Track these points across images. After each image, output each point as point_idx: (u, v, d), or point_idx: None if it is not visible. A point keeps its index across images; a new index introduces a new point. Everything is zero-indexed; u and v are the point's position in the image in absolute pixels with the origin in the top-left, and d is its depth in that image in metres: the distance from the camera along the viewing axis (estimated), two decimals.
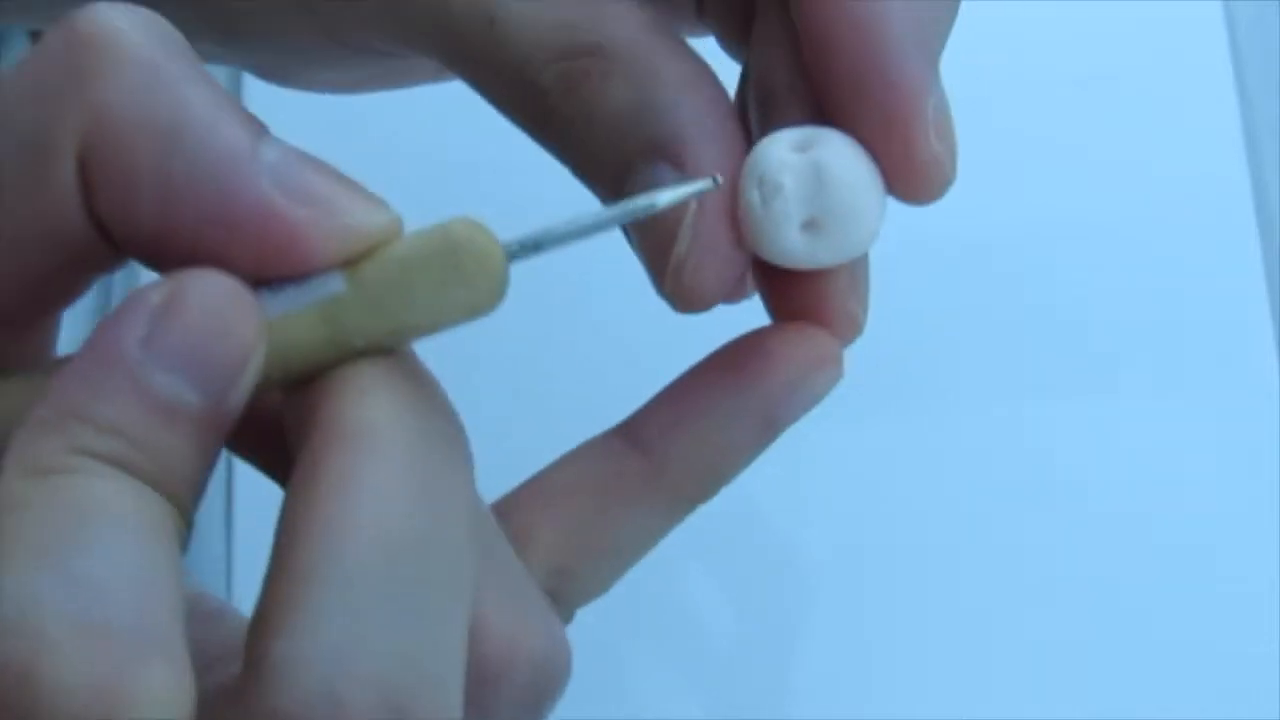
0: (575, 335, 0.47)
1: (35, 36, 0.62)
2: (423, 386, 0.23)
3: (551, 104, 0.27)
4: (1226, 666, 0.43)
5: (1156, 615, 0.44)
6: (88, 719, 0.20)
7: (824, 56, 0.26)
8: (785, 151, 0.26)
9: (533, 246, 0.24)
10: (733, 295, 0.28)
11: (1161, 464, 0.45)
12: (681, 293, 0.26)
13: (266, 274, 0.23)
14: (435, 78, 0.33)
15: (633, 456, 0.27)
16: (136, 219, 0.22)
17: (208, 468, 0.22)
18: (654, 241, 0.26)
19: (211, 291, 0.22)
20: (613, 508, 0.27)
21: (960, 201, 0.47)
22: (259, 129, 0.23)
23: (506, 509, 0.27)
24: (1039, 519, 0.45)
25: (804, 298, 0.27)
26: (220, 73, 0.52)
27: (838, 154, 0.25)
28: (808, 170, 0.25)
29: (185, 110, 0.22)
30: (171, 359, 0.21)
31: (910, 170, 0.26)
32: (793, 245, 0.26)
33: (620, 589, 0.40)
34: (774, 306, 0.28)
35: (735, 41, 0.30)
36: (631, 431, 0.28)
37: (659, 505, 0.27)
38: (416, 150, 0.50)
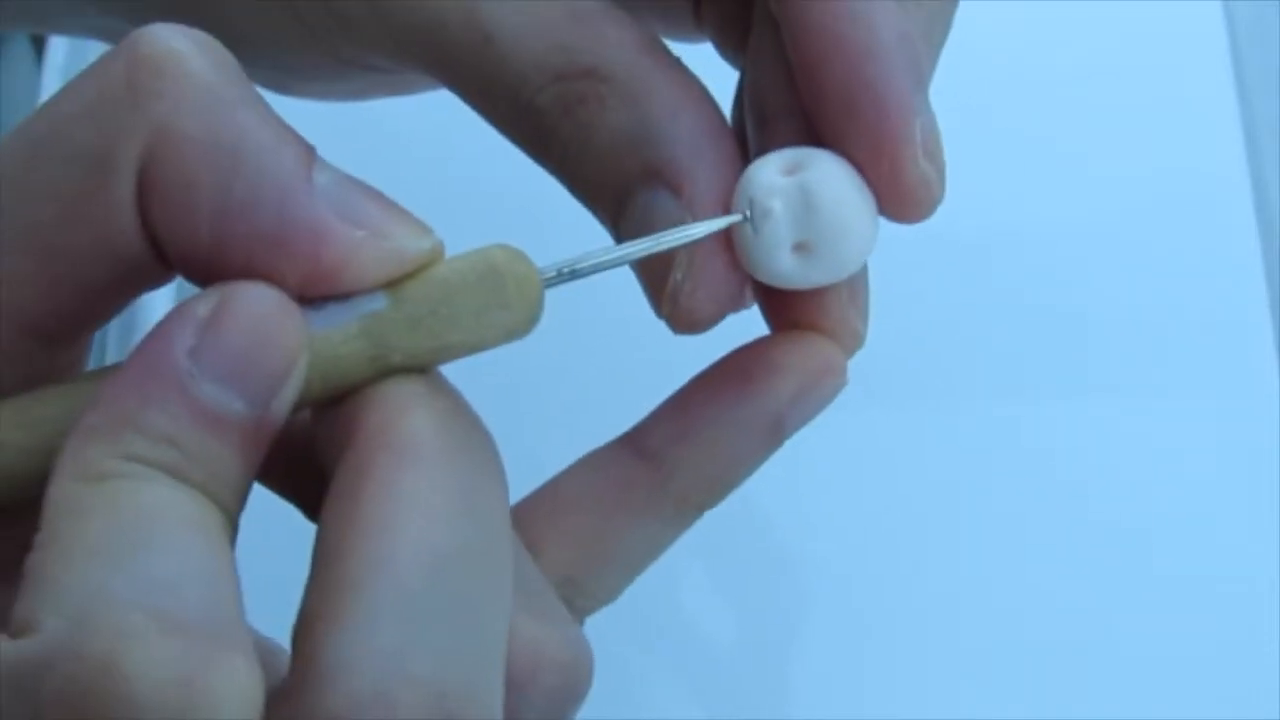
0: (582, 342, 0.47)
1: (37, 42, 0.63)
2: (458, 403, 0.24)
3: (548, 125, 0.27)
4: (1226, 666, 0.43)
5: (1156, 615, 0.44)
6: (171, 710, 0.20)
7: (813, 77, 0.26)
8: (774, 175, 0.26)
9: (568, 274, 0.25)
10: (733, 309, 0.28)
11: (1161, 464, 0.45)
12: (679, 316, 0.27)
13: (314, 293, 0.23)
14: (431, 87, 0.33)
15: (639, 466, 0.28)
16: (192, 235, 0.23)
17: (251, 476, 0.23)
18: (652, 266, 0.26)
19: (256, 302, 0.22)
20: (620, 517, 0.27)
21: (960, 201, 0.47)
22: (312, 153, 0.23)
23: (514, 520, 0.27)
24: (1038, 519, 0.45)
25: (803, 312, 0.27)
26: None
27: (826, 176, 0.26)
28: (796, 193, 0.25)
29: (245, 131, 0.23)
30: (218, 369, 0.22)
31: (899, 191, 0.26)
32: (785, 268, 0.26)
33: None
34: (773, 321, 0.28)
35: (732, 50, 0.30)
36: (637, 441, 0.28)
37: (665, 514, 0.28)
38: (415, 152, 0.50)
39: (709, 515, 0.28)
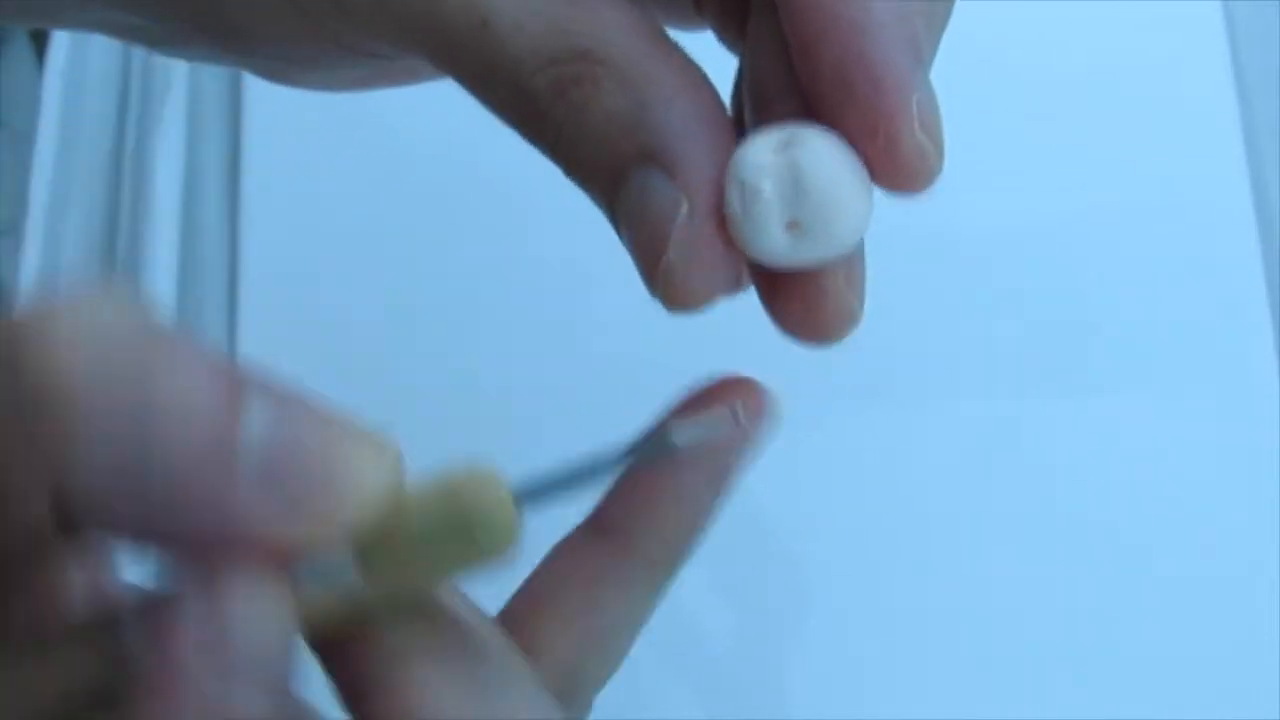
0: (583, 342, 0.47)
1: (38, 42, 0.63)
2: (464, 632, 0.25)
3: (544, 108, 0.27)
4: (1226, 666, 0.43)
5: (1156, 615, 0.44)
6: None
7: (809, 55, 0.26)
8: (764, 154, 0.26)
9: (543, 492, 0.24)
10: (728, 290, 0.28)
11: (1161, 464, 0.45)
12: (673, 294, 0.26)
13: (268, 571, 0.23)
14: (434, 76, 0.33)
15: (607, 543, 0.29)
16: (124, 535, 0.23)
17: None
18: (646, 244, 0.26)
19: (249, 600, 0.22)
20: (602, 597, 0.29)
21: (959, 201, 0.47)
22: (239, 399, 0.23)
23: (506, 622, 0.28)
24: (1037, 519, 0.45)
25: (797, 293, 0.27)
26: (219, 73, 0.52)
27: (816, 154, 0.25)
28: (786, 172, 0.25)
29: (157, 438, 0.22)
30: (225, 670, 0.22)
31: (894, 163, 0.25)
32: (777, 248, 0.26)
33: None
34: (768, 302, 0.28)
35: (732, 38, 0.30)
36: (599, 523, 0.29)
37: (643, 581, 0.29)
38: (416, 145, 0.50)
39: None
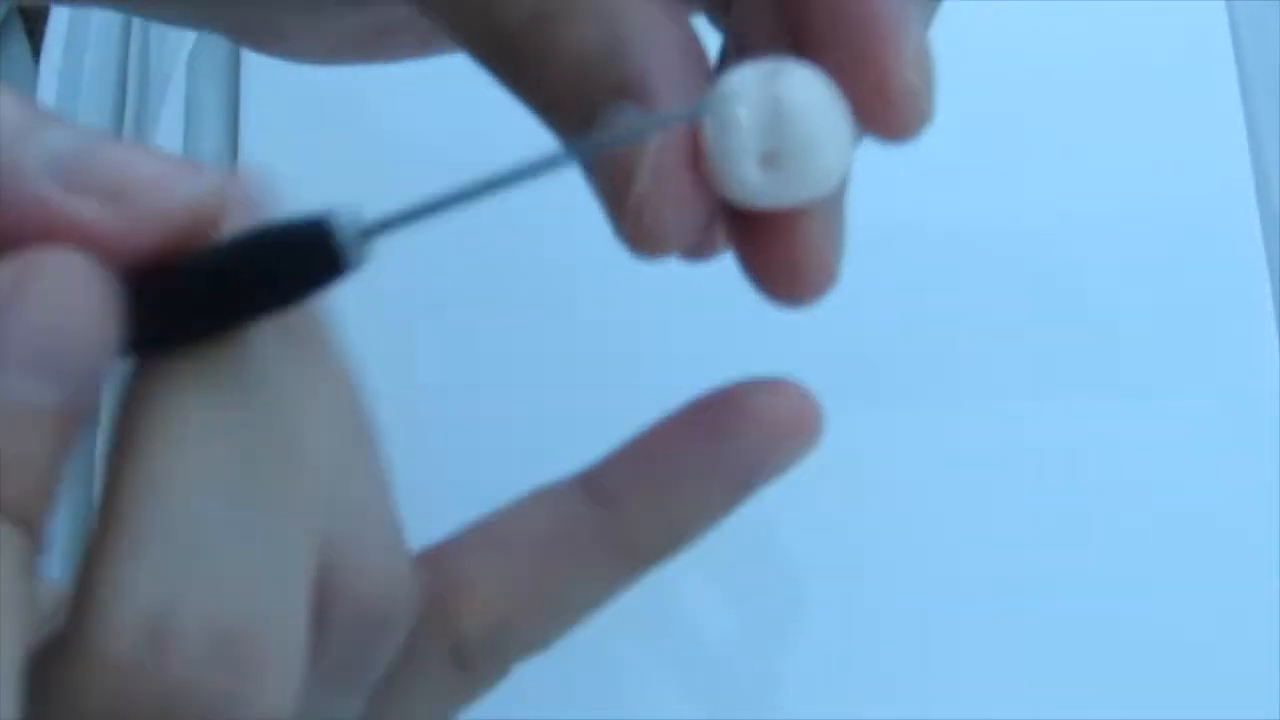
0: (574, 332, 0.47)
1: (34, 41, 0.62)
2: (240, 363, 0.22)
3: (517, 44, 0.26)
4: (1226, 666, 0.43)
5: (1156, 615, 0.44)
6: None
7: None
8: (744, 85, 0.25)
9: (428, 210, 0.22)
10: (702, 248, 0.26)
11: (1161, 464, 0.45)
12: (641, 234, 0.25)
13: None
14: (418, 51, 0.32)
15: (591, 508, 0.26)
16: None
17: (61, 471, 0.21)
18: (612, 180, 0.25)
19: (58, 275, 0.20)
20: (563, 561, 0.26)
21: (961, 201, 0.47)
22: (42, 116, 0.21)
23: (449, 552, 0.26)
24: (1039, 519, 0.45)
25: (773, 241, 0.26)
26: (217, 71, 0.52)
27: (798, 84, 0.25)
28: (766, 102, 0.24)
29: None
30: (22, 356, 0.20)
31: (883, 99, 0.25)
32: (750, 181, 0.25)
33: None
34: (741, 249, 0.26)
35: (718, 13, 0.29)
36: (592, 482, 0.26)
37: (614, 562, 0.26)
38: (417, 143, 0.49)
39: None
